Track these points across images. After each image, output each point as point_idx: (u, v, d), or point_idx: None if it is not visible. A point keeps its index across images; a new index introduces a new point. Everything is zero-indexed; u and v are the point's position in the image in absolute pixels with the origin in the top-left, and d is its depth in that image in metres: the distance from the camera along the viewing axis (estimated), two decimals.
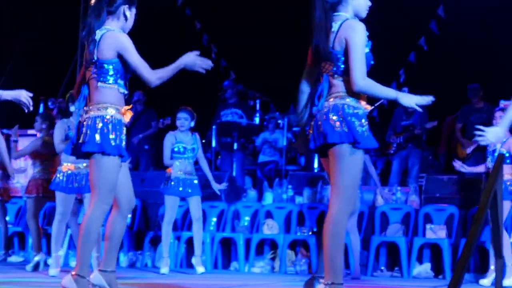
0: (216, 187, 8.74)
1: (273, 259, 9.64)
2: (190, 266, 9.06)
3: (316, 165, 11.33)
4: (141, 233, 10.17)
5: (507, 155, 8.00)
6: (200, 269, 8.41)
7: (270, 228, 9.67)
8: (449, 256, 8.97)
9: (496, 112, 8.28)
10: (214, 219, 10.04)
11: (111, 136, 4.76)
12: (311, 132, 4.61)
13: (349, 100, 4.51)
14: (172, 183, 8.44)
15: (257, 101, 11.77)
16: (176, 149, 8.49)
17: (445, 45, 11.73)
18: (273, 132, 11.44)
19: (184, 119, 8.55)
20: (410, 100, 4.53)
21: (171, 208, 8.51)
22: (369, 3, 4.65)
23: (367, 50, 4.50)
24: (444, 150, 11.29)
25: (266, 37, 11.90)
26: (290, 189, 10.20)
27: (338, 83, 4.53)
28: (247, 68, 12.30)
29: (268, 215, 9.90)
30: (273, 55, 12.09)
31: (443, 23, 12.04)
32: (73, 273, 4.75)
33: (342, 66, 4.50)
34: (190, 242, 9.18)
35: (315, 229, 9.49)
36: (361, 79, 4.42)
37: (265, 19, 12.21)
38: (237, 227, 9.86)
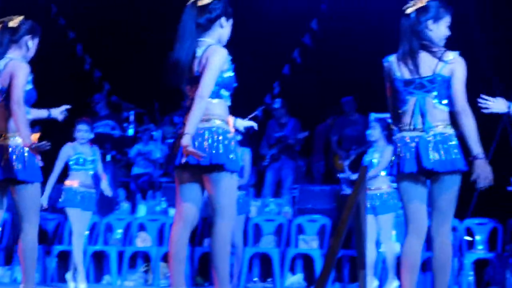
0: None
1: (146, 272, 9.55)
2: (62, 280, 8.87)
3: None
4: (10, 247, 9.88)
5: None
6: (82, 285, 8.21)
7: (143, 241, 9.58)
8: (321, 266, 9.10)
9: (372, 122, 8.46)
10: (86, 232, 9.86)
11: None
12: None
13: (220, 123, 4.56)
14: (71, 195, 8.23)
15: (131, 113, 11.63)
16: (73, 162, 8.28)
17: (318, 57, 11.90)
18: (147, 144, 11.34)
19: (84, 131, 8.37)
20: None
21: (77, 221, 8.29)
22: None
23: (230, 74, 4.60)
24: (318, 159, 11.43)
25: (141, 48, 11.78)
26: (164, 201, 10.12)
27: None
28: (122, 79, 12.14)
29: (141, 227, 9.80)
30: (149, 66, 11.99)
31: (316, 35, 12.21)
32: None
33: None
34: (61, 256, 8.99)
35: None
36: (204, 95, 4.46)
37: (140, 30, 12.07)
38: (109, 240, 9.72)
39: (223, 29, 4.70)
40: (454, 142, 4.64)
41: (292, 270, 9.42)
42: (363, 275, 4.69)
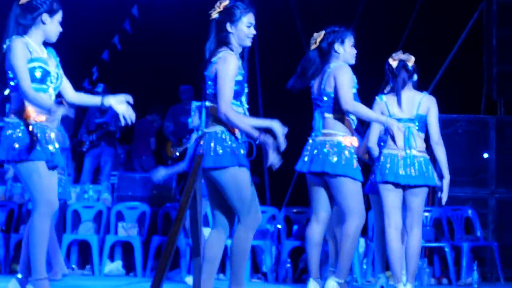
0: None
1: None
2: None
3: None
4: None
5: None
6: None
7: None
8: (140, 253, 9.08)
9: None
10: None
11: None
12: None
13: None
14: None
15: None
16: None
17: (139, 43, 11.83)
18: None
19: None
20: None
21: None
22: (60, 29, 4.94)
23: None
24: (140, 148, 11.39)
25: None
26: None
27: None
28: None
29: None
30: None
31: (137, 22, 12.13)
32: None
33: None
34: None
35: (3, 228, 9.18)
36: None
37: None
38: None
39: (47, 25, 4.83)
40: None
41: (111, 258, 9.35)
42: (198, 263, 4.75)
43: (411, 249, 5.99)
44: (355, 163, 5.39)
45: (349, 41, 5.50)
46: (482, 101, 10.30)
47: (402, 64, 6.05)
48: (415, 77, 6.13)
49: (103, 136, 10.76)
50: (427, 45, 10.13)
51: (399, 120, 5.99)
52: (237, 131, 4.76)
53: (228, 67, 4.68)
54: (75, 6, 10.63)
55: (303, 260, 8.77)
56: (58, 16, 4.91)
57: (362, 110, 5.41)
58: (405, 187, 6.01)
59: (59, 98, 5.17)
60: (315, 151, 5.45)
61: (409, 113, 6.04)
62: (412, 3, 10.56)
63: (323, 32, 5.51)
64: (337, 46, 5.45)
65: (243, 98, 4.84)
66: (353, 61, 5.51)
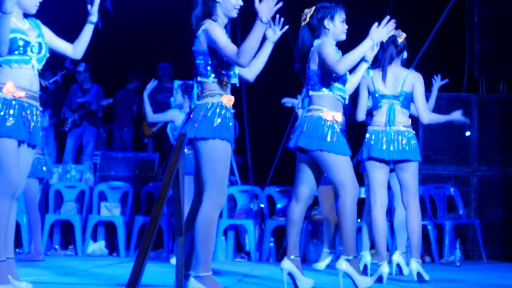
0: None
1: None
2: None
3: None
4: None
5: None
6: None
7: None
8: (123, 233, 9.08)
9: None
10: None
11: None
12: None
13: None
14: None
15: None
16: None
17: (119, 22, 11.78)
18: None
19: None
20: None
21: None
22: None
23: None
24: (119, 126, 11.33)
25: None
26: None
27: None
28: None
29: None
30: None
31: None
32: None
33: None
34: None
35: None
36: None
37: None
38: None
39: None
40: None
41: (94, 238, 9.34)
42: (181, 242, 4.73)
43: (411, 224, 5.99)
44: (334, 137, 5.22)
45: (339, 16, 5.35)
46: (464, 79, 10.33)
47: (392, 39, 6.02)
48: (405, 54, 6.08)
49: (85, 116, 10.72)
50: (408, 23, 10.12)
51: (382, 96, 5.98)
52: (228, 103, 4.72)
53: (216, 32, 4.61)
54: None
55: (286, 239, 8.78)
56: None
57: (350, 56, 5.21)
58: (391, 163, 6.01)
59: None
60: (299, 127, 5.39)
61: (393, 89, 6.04)
62: None
63: (313, 8, 5.42)
64: (326, 22, 5.32)
65: (236, 70, 4.80)
66: (343, 37, 5.37)
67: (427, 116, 6.20)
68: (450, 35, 10.53)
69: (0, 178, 4.62)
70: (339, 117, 5.30)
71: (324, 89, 5.29)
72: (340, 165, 5.21)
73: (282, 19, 4.71)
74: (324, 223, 7.75)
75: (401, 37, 6.07)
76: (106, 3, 11.57)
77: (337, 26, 5.32)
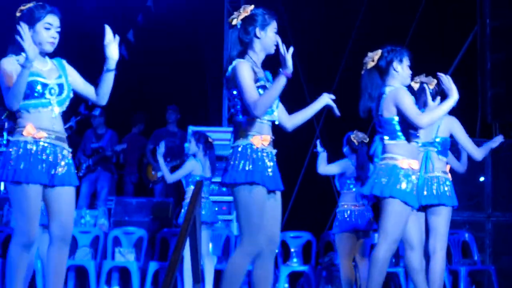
0: None
1: None
2: None
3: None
4: None
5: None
6: None
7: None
8: (137, 279, 9.06)
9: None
10: None
11: None
12: None
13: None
14: None
15: None
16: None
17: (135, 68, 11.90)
18: None
19: None
20: None
21: None
22: None
23: None
24: (130, 171, 11.37)
25: None
26: None
27: None
28: None
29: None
30: None
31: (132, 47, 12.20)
32: None
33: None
34: None
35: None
36: None
37: None
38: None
39: (37, 34, 4.63)
40: None
41: (109, 283, 9.32)
42: None
43: (433, 274, 5.91)
44: (405, 184, 5.13)
45: (406, 61, 5.37)
46: (477, 125, 10.35)
47: (422, 86, 6.04)
48: (438, 100, 6.05)
49: (100, 161, 10.77)
50: (421, 68, 10.20)
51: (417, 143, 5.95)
52: (261, 143, 4.61)
53: (241, 73, 4.52)
54: (74, 17, 10.71)
55: (300, 285, 8.77)
56: (42, 24, 4.63)
57: (435, 114, 5.26)
58: (424, 208, 5.97)
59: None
60: (375, 176, 5.30)
61: (428, 136, 6.01)
62: (405, 27, 10.62)
63: (379, 51, 5.36)
64: (395, 65, 5.33)
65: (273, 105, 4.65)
66: (408, 81, 5.37)
67: (478, 153, 6.21)
68: (462, 80, 10.54)
69: (17, 227, 4.47)
70: (416, 165, 5.24)
71: (400, 137, 5.25)
72: (395, 213, 5.14)
73: (291, 48, 4.48)
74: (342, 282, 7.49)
75: (432, 84, 6.08)
76: (121, 51, 11.69)
77: (405, 70, 5.34)
